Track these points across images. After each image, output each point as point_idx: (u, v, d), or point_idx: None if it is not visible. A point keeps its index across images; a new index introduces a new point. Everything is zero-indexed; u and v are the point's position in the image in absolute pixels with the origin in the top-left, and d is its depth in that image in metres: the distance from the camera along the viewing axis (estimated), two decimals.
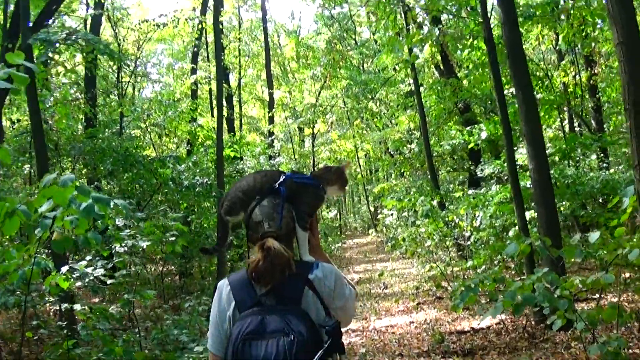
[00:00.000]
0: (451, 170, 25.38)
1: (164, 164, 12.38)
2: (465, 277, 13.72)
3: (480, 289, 7.96)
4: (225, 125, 26.56)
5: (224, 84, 27.47)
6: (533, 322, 9.22)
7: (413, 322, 11.20)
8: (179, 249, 6.81)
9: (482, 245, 13.28)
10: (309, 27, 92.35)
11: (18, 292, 6.79)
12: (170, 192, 12.75)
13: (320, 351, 2.32)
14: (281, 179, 2.80)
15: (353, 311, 2.81)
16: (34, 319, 7.81)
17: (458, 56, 20.36)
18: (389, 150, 29.52)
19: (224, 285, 2.64)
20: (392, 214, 29.01)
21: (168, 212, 10.81)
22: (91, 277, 6.65)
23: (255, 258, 2.51)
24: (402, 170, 26.31)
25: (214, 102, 29.45)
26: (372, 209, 38.10)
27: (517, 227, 11.49)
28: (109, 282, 6.91)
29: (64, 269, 5.86)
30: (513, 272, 11.89)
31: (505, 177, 15.46)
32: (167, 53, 32.90)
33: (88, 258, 6.99)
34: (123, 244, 7.27)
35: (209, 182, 12.73)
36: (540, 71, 18.72)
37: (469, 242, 13.80)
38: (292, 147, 32.49)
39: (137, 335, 7.17)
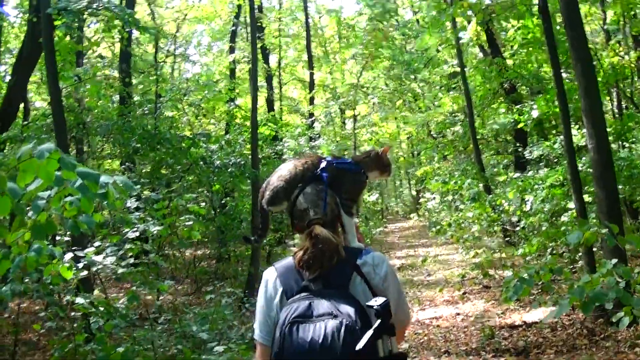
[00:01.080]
0: (496, 153, 24.37)
1: (194, 143, 11.56)
2: (514, 265, 12.82)
3: (535, 281, 7.23)
4: (265, 107, 25.92)
5: (264, 64, 26.91)
6: (592, 317, 8.27)
7: (459, 314, 10.32)
8: (196, 234, 5.91)
9: (533, 232, 12.35)
10: (351, 8, 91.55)
11: (27, 280, 6.07)
12: (201, 172, 11.96)
13: (369, 332, 2.18)
14: (322, 165, 2.74)
15: (408, 315, 2.76)
16: (49, 308, 7.06)
17: (503, 36, 19.63)
18: (432, 133, 28.47)
19: (270, 273, 2.59)
20: (434, 198, 28.37)
21: (185, 194, 9.84)
22: (100, 266, 5.87)
23: (303, 246, 2.49)
24: (445, 153, 25.31)
25: None
26: (414, 192, 37.26)
27: (570, 212, 10.61)
28: (120, 271, 6.07)
29: (68, 256, 5.13)
30: (566, 261, 10.90)
31: (555, 160, 14.53)
32: (206, 33, 32.09)
33: (97, 244, 6.16)
34: (134, 229, 6.37)
35: (242, 162, 11.90)
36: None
37: (517, 228, 12.86)
38: (333, 129, 31.66)
39: (152, 332, 6.36)
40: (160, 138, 11.05)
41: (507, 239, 13.76)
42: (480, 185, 14.62)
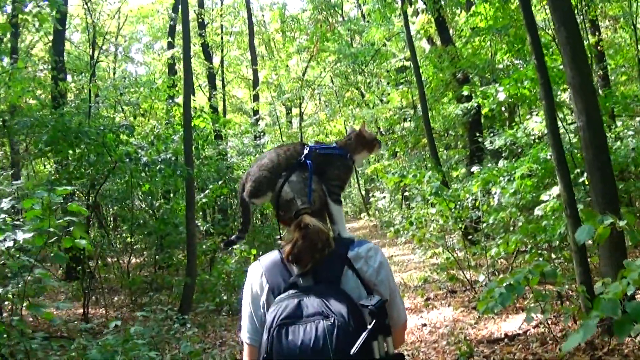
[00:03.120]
0: (446, 148, 23.10)
1: (117, 137, 9.70)
2: (478, 265, 11.37)
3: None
4: (207, 106, 24.39)
5: (206, 62, 25.32)
6: None
7: (426, 325, 8.76)
8: (79, 243, 4.14)
9: (502, 229, 10.93)
10: (295, 6, 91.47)
11: None
12: (125, 170, 10.14)
13: (364, 334, 1.98)
14: (306, 152, 2.51)
15: (404, 313, 2.44)
16: None
17: (455, 24, 18.58)
18: (380, 130, 27.07)
19: (255, 268, 2.38)
20: (384, 197, 27.35)
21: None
22: None
23: (291, 238, 2.28)
24: (395, 150, 23.87)
25: (195, 80, 27.42)
26: (363, 192, 35.89)
27: (544, 205, 9.20)
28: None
29: None
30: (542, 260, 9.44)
31: (520, 150, 13.17)
32: (147, 32, 30.40)
33: None
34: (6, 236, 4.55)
35: (173, 159, 10.10)
36: (546, 37, 16.37)
37: (480, 225, 11.40)
38: (279, 128, 30.18)
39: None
40: (78, 131, 9.20)
41: (469, 237, 12.23)
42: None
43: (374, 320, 2.03)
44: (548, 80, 7.37)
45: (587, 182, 7.88)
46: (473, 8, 15.32)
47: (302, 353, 1.98)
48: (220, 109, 26.16)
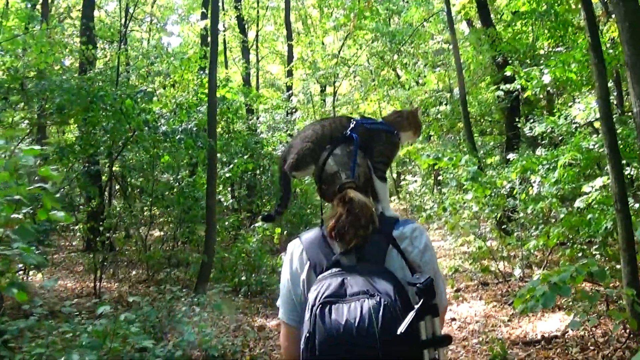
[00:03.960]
0: (481, 134, 22.30)
1: (136, 103, 9.04)
2: (511, 257, 10.64)
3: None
4: (241, 82, 23.81)
5: (240, 34, 24.69)
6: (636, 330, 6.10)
7: (455, 320, 8.09)
8: (54, 215, 3.53)
9: (540, 219, 10.21)
10: None
11: None
12: (142, 139, 9.49)
13: (411, 313, 1.90)
14: (352, 125, 2.44)
15: (445, 298, 2.36)
16: None
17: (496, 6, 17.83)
18: None
19: (295, 245, 2.32)
20: (415, 181, 26.77)
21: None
22: None
23: (334, 213, 2.23)
24: (429, 133, 23.09)
25: (229, 53, 26.84)
26: (394, 175, 35.16)
27: (585, 197, 8.49)
28: None
29: None
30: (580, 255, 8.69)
31: (560, 138, 12.42)
32: (182, 3, 29.77)
33: None
34: None
35: (195, 129, 9.42)
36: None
37: (516, 215, 10.67)
38: (312, 106, 29.53)
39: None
40: (93, 96, 8.57)
41: (503, 226, 11.46)
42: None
43: (422, 300, 1.96)
44: (602, 59, 6.66)
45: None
46: None
47: (346, 332, 1.89)
48: (253, 84, 25.60)
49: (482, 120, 22.28)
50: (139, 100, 9.03)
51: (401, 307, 1.92)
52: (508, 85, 11.30)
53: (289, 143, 2.52)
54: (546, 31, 14.40)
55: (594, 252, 8.43)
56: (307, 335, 1.96)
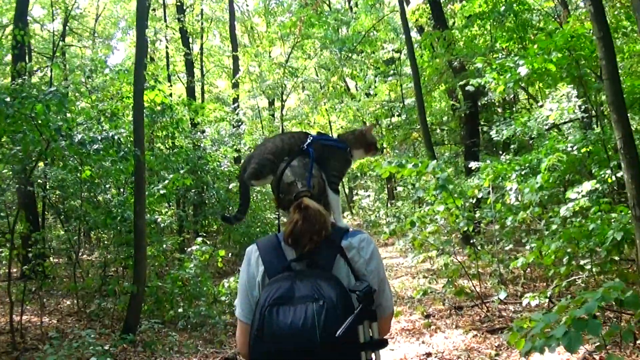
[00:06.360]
0: (439, 144, 21.21)
1: (48, 109, 7.39)
2: (480, 274, 9.24)
3: None
4: (185, 95, 22.54)
5: (184, 48, 23.32)
6: None
7: (430, 355, 6.61)
8: None
9: (523, 231, 8.95)
10: None
11: None
12: (58, 151, 7.82)
13: (350, 317, 2.01)
14: (308, 140, 2.56)
15: (391, 304, 2.42)
16: None
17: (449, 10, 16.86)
18: (366, 124, 25.14)
19: (252, 250, 2.38)
20: (368, 195, 26.07)
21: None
22: None
23: (291, 219, 2.27)
24: (382, 144, 21.89)
25: (173, 68, 25.43)
26: (347, 190, 34.10)
27: (571, 205, 7.28)
28: None
29: None
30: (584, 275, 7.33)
31: (531, 141, 11.26)
32: (128, 22, 28.34)
33: None
34: None
35: (117, 138, 7.78)
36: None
37: (496, 227, 9.35)
38: (260, 121, 28.19)
39: None
40: None
41: (471, 240, 10.02)
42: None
43: (361, 305, 2.05)
44: (608, 32, 5.31)
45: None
46: None
47: (292, 332, 1.99)
48: (199, 99, 24.25)
49: (437, 130, 21.21)
50: (50, 104, 7.36)
51: (342, 311, 2.01)
52: (473, 81, 9.96)
53: (249, 154, 2.58)
54: (504, 33, 13.30)
55: (598, 269, 7.07)
56: (255, 333, 2.05)
